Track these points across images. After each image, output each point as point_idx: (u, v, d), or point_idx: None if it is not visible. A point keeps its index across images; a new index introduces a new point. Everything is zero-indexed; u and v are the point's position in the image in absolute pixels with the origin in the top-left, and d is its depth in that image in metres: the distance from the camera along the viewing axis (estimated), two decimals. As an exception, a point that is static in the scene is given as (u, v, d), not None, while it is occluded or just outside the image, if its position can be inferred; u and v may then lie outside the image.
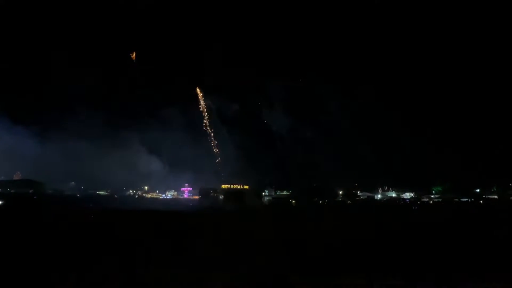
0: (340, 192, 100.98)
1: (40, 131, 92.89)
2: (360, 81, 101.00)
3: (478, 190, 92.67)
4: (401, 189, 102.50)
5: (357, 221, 42.34)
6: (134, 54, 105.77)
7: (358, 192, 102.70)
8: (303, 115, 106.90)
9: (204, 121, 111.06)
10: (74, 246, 18.45)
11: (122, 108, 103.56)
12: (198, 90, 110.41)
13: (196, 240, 22.16)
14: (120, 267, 14.00)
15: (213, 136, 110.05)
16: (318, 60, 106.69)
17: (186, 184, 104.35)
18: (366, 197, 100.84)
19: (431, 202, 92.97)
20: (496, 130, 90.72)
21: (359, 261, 15.92)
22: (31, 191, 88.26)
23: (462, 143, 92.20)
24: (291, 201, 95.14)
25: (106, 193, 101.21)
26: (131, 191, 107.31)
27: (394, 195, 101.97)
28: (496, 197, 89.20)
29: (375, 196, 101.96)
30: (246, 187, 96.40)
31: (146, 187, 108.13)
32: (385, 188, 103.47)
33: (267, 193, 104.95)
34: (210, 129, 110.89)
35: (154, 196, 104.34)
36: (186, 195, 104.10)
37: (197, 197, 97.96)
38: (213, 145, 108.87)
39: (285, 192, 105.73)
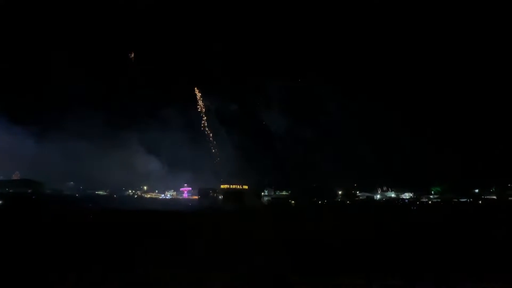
0: (340, 192, 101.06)
1: (39, 131, 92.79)
2: (359, 81, 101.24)
3: (477, 191, 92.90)
4: (400, 189, 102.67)
5: (356, 221, 42.38)
6: (133, 54, 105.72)
7: (357, 192, 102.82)
8: (303, 115, 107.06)
9: (203, 121, 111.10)
10: (73, 246, 18.42)
11: (121, 108, 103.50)
12: (196, 90, 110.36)
13: (195, 240, 22.15)
14: (119, 267, 13.98)
15: (212, 136, 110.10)
16: (318, 60, 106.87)
17: (186, 184, 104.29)
18: (365, 197, 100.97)
19: (430, 202, 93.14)
20: (495, 130, 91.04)
21: (358, 261, 15.94)
22: (30, 191, 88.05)
23: (461, 143, 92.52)
24: (291, 201, 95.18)
25: (105, 193, 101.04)
26: (130, 191, 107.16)
27: (393, 195, 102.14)
28: (494, 197, 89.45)
29: (374, 197, 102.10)
30: (246, 187, 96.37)
31: (145, 187, 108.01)
32: (384, 188, 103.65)
33: (266, 193, 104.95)
34: (209, 129, 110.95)
35: (153, 196, 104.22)
36: (185, 195, 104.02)
37: (196, 197, 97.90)
38: (212, 145, 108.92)
39: (284, 192, 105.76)
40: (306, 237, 24.74)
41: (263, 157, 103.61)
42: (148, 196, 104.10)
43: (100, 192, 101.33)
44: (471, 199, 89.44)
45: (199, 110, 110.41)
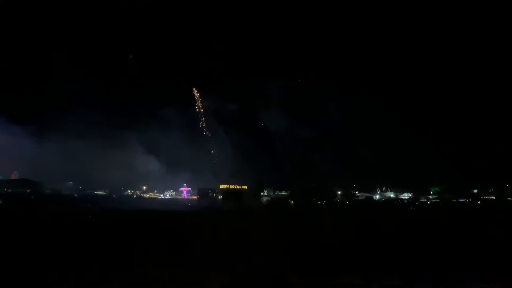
0: (339, 193, 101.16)
1: (38, 130, 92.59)
2: (359, 82, 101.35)
3: (475, 191, 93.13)
4: (399, 189, 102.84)
5: (355, 221, 42.43)
6: (132, 55, 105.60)
7: (357, 192, 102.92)
8: (302, 115, 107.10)
9: (202, 121, 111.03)
10: (72, 246, 18.38)
11: (121, 108, 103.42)
12: (195, 91, 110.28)
13: (194, 240, 22.13)
14: (118, 267, 13.96)
15: (212, 136, 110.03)
16: (317, 60, 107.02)
17: (185, 184, 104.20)
18: (364, 197, 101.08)
19: (429, 202, 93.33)
20: (494, 131, 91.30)
21: (357, 261, 15.96)
22: (28, 190, 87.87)
23: (460, 144, 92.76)
24: (290, 202, 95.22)
25: (104, 193, 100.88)
26: (129, 191, 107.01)
27: (392, 195, 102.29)
28: (493, 197, 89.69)
29: (374, 197, 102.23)
30: (245, 187, 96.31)
31: (144, 187, 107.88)
32: (384, 188, 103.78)
33: (265, 193, 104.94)
34: (209, 129, 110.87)
35: (153, 196, 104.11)
36: (184, 195, 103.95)
37: (195, 197, 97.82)
38: (212, 146, 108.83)
39: (283, 193, 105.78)
40: (305, 237, 24.76)
41: (262, 157, 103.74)
42: (147, 196, 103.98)
43: (99, 192, 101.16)
44: (470, 200, 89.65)
45: (197, 110, 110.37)
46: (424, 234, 28.55)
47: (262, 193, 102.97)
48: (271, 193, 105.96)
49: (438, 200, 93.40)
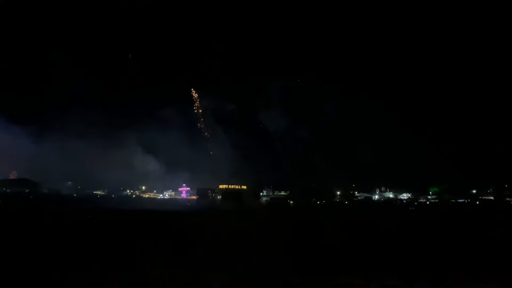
0: (338, 193, 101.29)
1: (37, 130, 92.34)
2: (358, 82, 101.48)
3: (474, 191, 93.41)
4: (398, 190, 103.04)
5: (354, 221, 42.50)
6: (131, 54, 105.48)
7: (356, 192, 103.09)
8: (301, 115, 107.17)
9: (201, 121, 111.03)
10: (70, 246, 18.35)
11: (120, 108, 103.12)
12: (193, 91, 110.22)
13: (194, 240, 22.13)
14: (117, 267, 13.95)
15: (211, 136, 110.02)
16: (317, 60, 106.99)
17: (184, 184, 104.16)
18: (363, 197, 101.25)
19: (428, 203, 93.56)
20: (493, 131, 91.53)
21: (357, 261, 15.99)
22: (27, 190, 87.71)
23: (459, 144, 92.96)
24: (289, 202, 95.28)
25: (103, 193, 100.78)
26: (128, 191, 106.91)
27: (391, 195, 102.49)
28: (492, 198, 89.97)
29: (373, 197, 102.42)
30: (244, 187, 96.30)
31: (143, 187, 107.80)
32: (383, 189, 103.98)
33: (265, 193, 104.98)
34: (208, 129, 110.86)
35: (152, 196, 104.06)
36: (183, 195, 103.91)
37: (195, 197, 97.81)
38: (211, 146, 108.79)
39: (283, 193, 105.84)
40: (304, 237, 24.78)
41: (261, 157, 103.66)
42: (147, 196, 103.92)
43: (98, 192, 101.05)
44: (469, 200, 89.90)
45: (196, 111, 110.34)
46: (423, 234, 28.61)
47: (261, 193, 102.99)
48: (271, 193, 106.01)
49: (437, 201, 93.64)
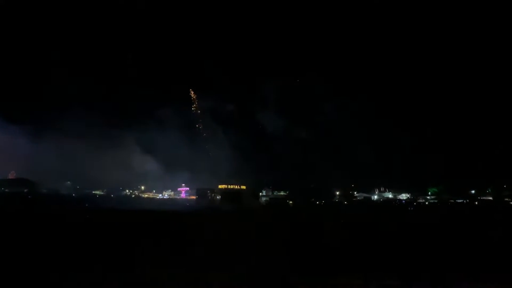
0: (337, 193, 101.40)
1: (36, 130, 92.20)
2: (357, 82, 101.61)
3: (473, 192, 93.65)
4: (397, 190, 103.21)
5: (353, 221, 42.53)
6: (130, 55, 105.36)
7: (355, 193, 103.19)
8: (301, 116, 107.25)
9: (200, 121, 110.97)
10: (69, 246, 18.31)
11: (119, 108, 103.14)
12: (191, 92, 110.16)
13: (193, 240, 22.11)
14: (116, 267, 13.92)
15: (210, 137, 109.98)
16: (316, 60, 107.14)
17: (183, 184, 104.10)
18: (362, 198, 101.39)
19: (426, 203, 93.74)
20: (492, 132, 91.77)
21: (356, 261, 16.01)
22: (25, 190, 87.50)
23: (458, 145, 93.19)
24: (289, 202, 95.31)
25: (102, 193, 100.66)
26: (127, 191, 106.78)
27: (390, 196, 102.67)
28: (490, 198, 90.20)
29: (372, 197, 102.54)
30: (243, 187, 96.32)
31: (142, 187, 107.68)
32: (382, 189, 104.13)
33: (264, 194, 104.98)
34: (207, 129, 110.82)
35: (151, 196, 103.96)
36: (183, 195, 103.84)
37: (194, 197, 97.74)
38: (210, 146, 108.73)
39: (282, 193, 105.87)
40: (304, 237, 24.80)
41: (261, 158, 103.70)
42: (146, 196, 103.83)
43: (97, 192, 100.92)
44: (467, 200, 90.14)
45: (195, 111, 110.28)
46: (422, 234, 28.66)
47: (260, 193, 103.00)
48: (270, 193, 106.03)
49: (436, 201, 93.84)
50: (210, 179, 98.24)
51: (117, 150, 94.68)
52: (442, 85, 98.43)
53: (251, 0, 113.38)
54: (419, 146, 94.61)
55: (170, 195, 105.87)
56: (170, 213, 50.36)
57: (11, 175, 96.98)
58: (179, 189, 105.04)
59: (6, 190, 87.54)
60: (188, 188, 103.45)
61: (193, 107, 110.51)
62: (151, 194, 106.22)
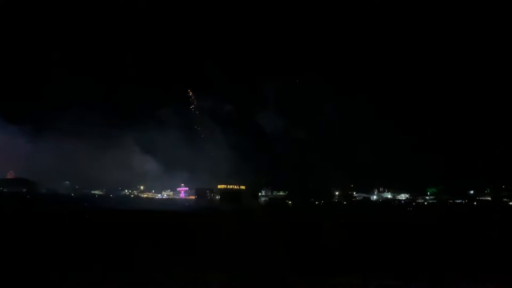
0: (336, 193, 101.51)
1: (34, 130, 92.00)
2: (356, 82, 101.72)
3: (472, 192, 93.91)
4: (396, 190, 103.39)
5: (353, 221, 42.58)
6: (129, 55, 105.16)
7: (354, 193, 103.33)
8: (300, 116, 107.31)
9: (199, 121, 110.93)
10: (67, 246, 18.27)
11: (118, 108, 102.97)
12: (190, 92, 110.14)
13: (192, 240, 22.10)
14: (115, 267, 13.90)
15: (209, 137, 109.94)
16: (315, 60, 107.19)
17: (182, 184, 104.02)
18: (362, 198, 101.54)
19: (425, 203, 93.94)
20: (491, 132, 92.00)
21: (355, 261, 16.03)
22: (24, 190, 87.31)
23: (457, 145, 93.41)
24: (288, 202, 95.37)
25: (101, 193, 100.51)
26: (126, 190, 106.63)
27: (389, 196, 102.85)
28: (489, 198, 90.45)
29: (371, 197, 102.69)
30: (243, 187, 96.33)
31: (141, 187, 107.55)
32: (381, 189, 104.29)
33: (263, 194, 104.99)
34: (206, 129, 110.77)
35: (150, 196, 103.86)
36: (182, 195, 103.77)
37: (193, 197, 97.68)
38: (209, 146, 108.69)
39: (281, 193, 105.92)
40: (303, 237, 24.81)
41: (260, 158, 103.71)
42: (145, 196, 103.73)
43: (96, 192, 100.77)
44: (466, 200, 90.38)
45: (194, 111, 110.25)
46: (421, 234, 28.72)
47: (260, 193, 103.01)
48: (269, 193, 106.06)
49: (435, 201, 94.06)
50: (209, 179, 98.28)
51: (116, 150, 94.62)
52: (442, 85, 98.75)
53: (251, 0, 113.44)
54: (418, 146, 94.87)
55: (169, 195, 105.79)
56: (169, 213, 50.30)
57: (10, 175, 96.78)
58: (178, 189, 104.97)
59: (5, 190, 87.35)
60: (187, 188, 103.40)
61: (192, 107, 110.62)
62: (150, 194, 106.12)
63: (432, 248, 20.84)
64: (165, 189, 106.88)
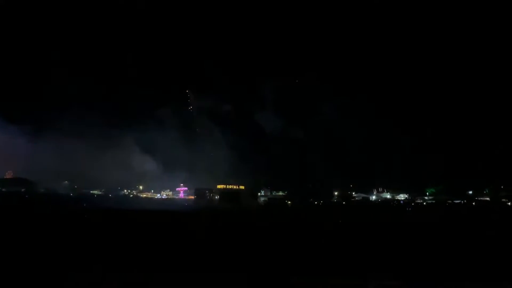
0: (336, 193, 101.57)
1: (33, 129, 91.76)
2: (355, 82, 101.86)
3: (470, 192, 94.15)
4: (395, 190, 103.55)
5: (352, 221, 42.62)
6: (129, 55, 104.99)
7: (353, 193, 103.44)
8: (299, 116, 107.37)
9: (199, 121, 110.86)
10: (66, 246, 18.21)
11: (118, 108, 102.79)
12: (190, 92, 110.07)
13: (192, 240, 22.06)
14: (114, 267, 13.86)
15: (209, 137, 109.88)
16: (314, 60, 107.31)
17: (182, 184, 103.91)
18: (361, 198, 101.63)
19: (424, 203, 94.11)
20: (490, 133, 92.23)
21: (355, 262, 16.04)
22: (23, 190, 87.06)
23: (456, 145, 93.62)
24: (287, 202, 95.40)
25: (100, 193, 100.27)
26: (125, 190, 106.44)
27: (388, 196, 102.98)
28: (488, 199, 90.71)
29: (370, 197, 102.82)
30: (242, 187, 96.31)
31: (141, 187, 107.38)
32: (380, 189, 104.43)
33: (262, 194, 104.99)
34: (205, 129, 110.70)
35: (149, 196, 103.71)
36: (181, 195, 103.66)
37: (192, 197, 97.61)
38: (209, 146, 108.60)
39: (280, 193, 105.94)
40: (303, 237, 24.81)
41: (259, 158, 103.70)
42: (144, 196, 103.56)
43: (95, 192, 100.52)
44: (465, 201, 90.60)
45: (194, 111, 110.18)
46: (421, 234, 28.76)
47: (259, 193, 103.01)
48: (268, 194, 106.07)
49: (433, 201, 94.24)
50: (208, 179, 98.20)
51: (115, 150, 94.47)
52: (441, 85, 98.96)
53: (250, 0, 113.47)
54: (417, 146, 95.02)
55: (168, 195, 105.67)
56: (169, 213, 50.25)
57: (8, 175, 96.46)
58: (177, 189, 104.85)
59: (3, 189, 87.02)
60: (186, 188, 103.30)
61: (191, 107, 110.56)
62: (149, 194, 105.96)
63: (432, 248, 20.87)
64: (164, 189, 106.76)
